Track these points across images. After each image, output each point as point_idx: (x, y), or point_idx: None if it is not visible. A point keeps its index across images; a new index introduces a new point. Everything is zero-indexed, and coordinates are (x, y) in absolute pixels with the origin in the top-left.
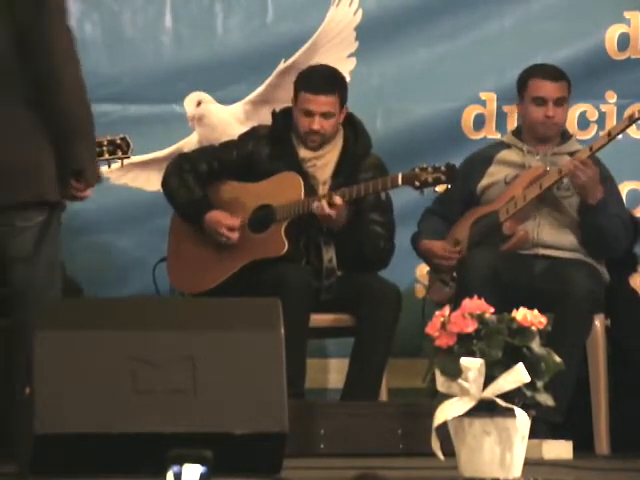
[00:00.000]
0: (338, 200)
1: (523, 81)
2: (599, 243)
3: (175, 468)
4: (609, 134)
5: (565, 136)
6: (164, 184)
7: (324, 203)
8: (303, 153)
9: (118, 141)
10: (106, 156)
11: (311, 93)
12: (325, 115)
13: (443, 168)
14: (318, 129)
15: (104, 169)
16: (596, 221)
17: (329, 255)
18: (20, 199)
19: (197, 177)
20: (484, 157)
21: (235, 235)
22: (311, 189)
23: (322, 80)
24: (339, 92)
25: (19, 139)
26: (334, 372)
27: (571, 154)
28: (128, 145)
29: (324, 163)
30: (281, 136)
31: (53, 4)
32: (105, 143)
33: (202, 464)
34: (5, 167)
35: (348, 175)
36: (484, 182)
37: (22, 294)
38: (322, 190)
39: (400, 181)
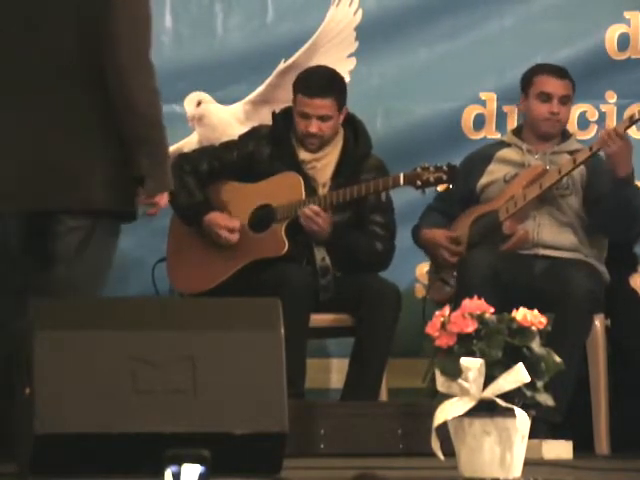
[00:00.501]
0: (315, 208)
1: (528, 78)
2: (626, 218)
3: (174, 468)
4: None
5: (565, 135)
6: None
7: (306, 210)
8: (303, 155)
9: None
10: None
11: (307, 96)
12: (322, 118)
13: (445, 168)
14: (316, 132)
15: None
16: (626, 195)
17: (321, 254)
18: (66, 205)
19: (197, 178)
20: (484, 155)
21: (235, 237)
22: (311, 190)
23: (318, 83)
24: (336, 95)
25: (77, 141)
26: (334, 372)
27: (571, 153)
28: None
29: (324, 165)
30: (281, 137)
31: (123, 9)
32: None
33: (200, 464)
34: (59, 170)
35: (348, 176)
36: (484, 180)
37: (60, 295)
38: (322, 192)
39: (402, 181)
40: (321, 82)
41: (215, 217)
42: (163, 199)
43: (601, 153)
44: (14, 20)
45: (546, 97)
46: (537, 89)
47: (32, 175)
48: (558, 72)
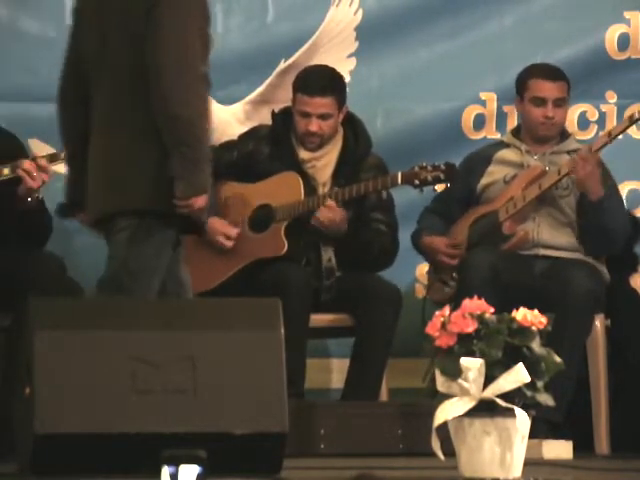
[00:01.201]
0: (330, 203)
1: (522, 81)
2: (599, 240)
3: (171, 469)
4: (609, 134)
5: (564, 135)
6: None
7: (320, 213)
8: (302, 154)
9: None
10: None
11: (307, 95)
12: (322, 116)
13: (442, 167)
14: (316, 131)
15: None
16: (596, 218)
17: (328, 255)
18: (111, 208)
19: None
20: (483, 156)
21: (230, 243)
22: (311, 189)
23: (318, 82)
24: (336, 94)
25: (125, 145)
26: (334, 372)
27: (570, 153)
28: None
29: (324, 164)
30: (281, 136)
31: (164, 17)
32: None
33: (197, 464)
34: (107, 173)
35: (348, 176)
36: (483, 181)
37: (111, 293)
38: (322, 191)
39: (400, 180)
40: (321, 81)
41: (213, 222)
42: (198, 202)
43: (601, 153)
44: (95, 39)
45: (540, 101)
46: (531, 94)
47: (93, 184)
48: (551, 74)
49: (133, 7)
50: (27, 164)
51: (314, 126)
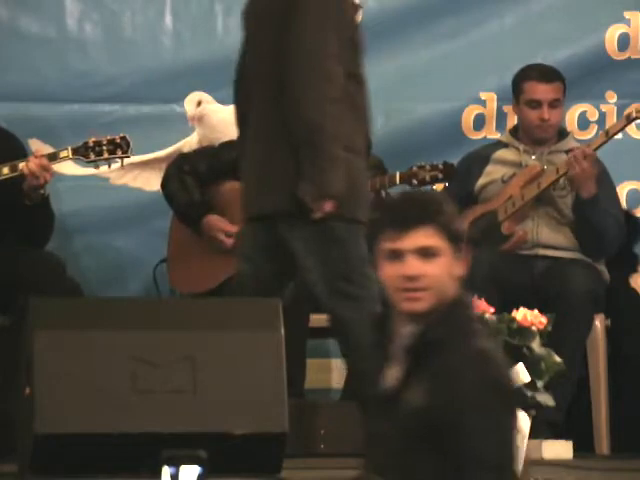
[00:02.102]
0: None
1: (517, 84)
2: (591, 239)
3: (171, 469)
4: (607, 133)
5: (562, 134)
6: (163, 186)
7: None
8: None
9: (118, 140)
10: (106, 155)
11: None
12: None
13: (440, 166)
14: None
15: (103, 169)
16: (588, 216)
17: None
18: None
19: (197, 178)
20: (481, 156)
21: (231, 241)
22: None
23: None
24: None
25: (280, 152)
26: (334, 372)
27: (568, 152)
28: (128, 144)
29: None
30: None
31: (302, 14)
32: (105, 143)
33: (198, 465)
34: (257, 175)
35: None
36: (482, 181)
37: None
38: None
39: (398, 179)
40: None
41: (214, 220)
42: (328, 205)
43: (601, 153)
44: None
45: (535, 104)
46: (526, 96)
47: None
48: (546, 76)
49: (274, 15)
50: (31, 163)
51: None
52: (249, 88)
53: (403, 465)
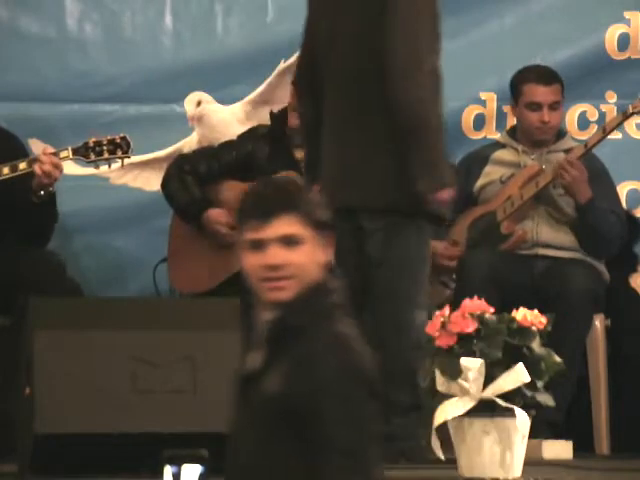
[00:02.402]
0: None
1: (516, 86)
2: (593, 241)
3: (173, 468)
4: (604, 130)
5: (560, 134)
6: (164, 186)
7: None
8: (298, 154)
9: (118, 140)
10: (106, 155)
11: (295, 87)
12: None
13: None
14: (294, 126)
15: (103, 169)
16: (588, 219)
17: None
18: (354, 203)
19: (197, 178)
20: (480, 157)
21: (230, 237)
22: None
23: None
24: None
25: (369, 145)
26: None
27: (566, 151)
28: (128, 144)
29: None
30: (279, 136)
31: (398, 16)
32: (105, 143)
33: (199, 464)
34: (351, 171)
35: None
36: (481, 182)
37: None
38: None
39: None
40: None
41: (214, 213)
42: (442, 195)
43: (601, 153)
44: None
45: (536, 106)
46: (526, 99)
47: (336, 175)
48: (545, 78)
49: (362, 8)
50: (46, 165)
51: (293, 119)
52: (321, 86)
53: (262, 451)
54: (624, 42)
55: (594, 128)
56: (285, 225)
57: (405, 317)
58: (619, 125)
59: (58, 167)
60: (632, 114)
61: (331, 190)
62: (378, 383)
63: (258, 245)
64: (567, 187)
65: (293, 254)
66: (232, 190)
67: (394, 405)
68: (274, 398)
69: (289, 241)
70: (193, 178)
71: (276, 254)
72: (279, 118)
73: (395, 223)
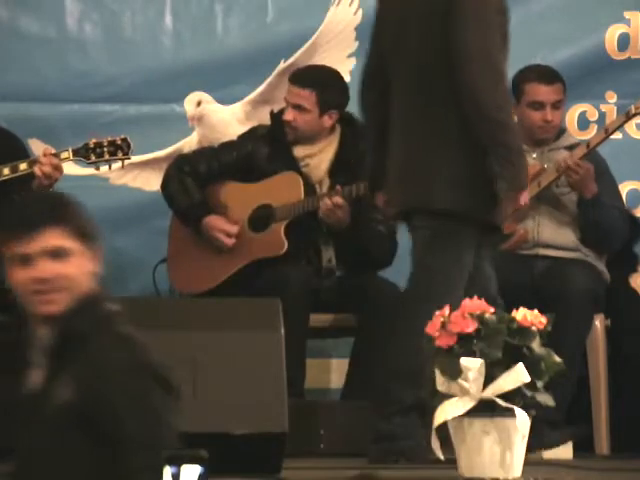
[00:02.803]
0: (339, 200)
1: (517, 85)
2: (596, 236)
3: (173, 469)
4: (606, 130)
5: (560, 131)
6: (163, 187)
7: (327, 200)
8: (297, 152)
9: (119, 142)
10: (106, 157)
11: (290, 83)
12: (298, 107)
13: None
14: (289, 120)
15: (104, 169)
16: (593, 215)
17: (328, 255)
18: (411, 204)
19: (197, 179)
20: None
21: (231, 241)
22: (310, 188)
23: (304, 73)
24: (318, 90)
25: (433, 148)
26: (334, 372)
27: (568, 148)
28: (129, 146)
29: (317, 162)
30: (278, 136)
31: (467, 13)
32: (105, 144)
33: (199, 464)
34: (409, 169)
35: (345, 175)
36: None
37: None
38: (319, 190)
39: None
40: (307, 74)
41: (214, 220)
42: (521, 198)
43: (599, 149)
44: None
45: (539, 105)
46: (529, 98)
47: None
48: (547, 77)
49: (432, 7)
50: (45, 167)
51: (288, 114)
52: (388, 89)
53: (60, 463)
54: (624, 42)
55: (594, 128)
56: (52, 238)
57: (422, 320)
58: (621, 126)
59: (58, 168)
60: (635, 115)
61: (399, 189)
62: (166, 375)
63: (26, 259)
64: (574, 184)
65: (62, 266)
66: (232, 191)
67: (395, 404)
68: (67, 406)
69: (57, 254)
70: (193, 180)
71: (44, 267)
72: (279, 118)
73: (445, 226)
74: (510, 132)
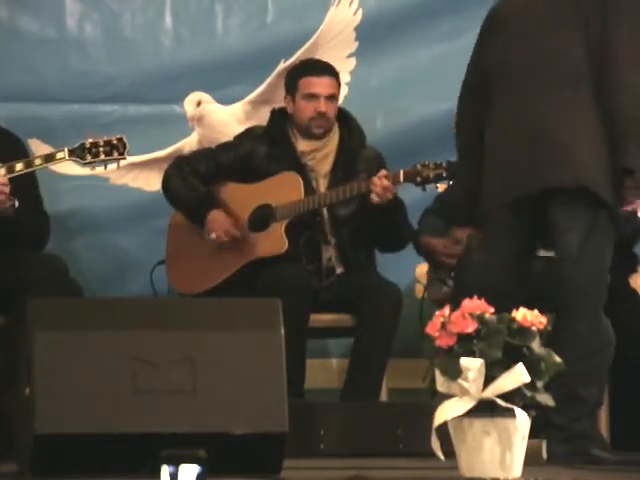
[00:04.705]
0: (387, 183)
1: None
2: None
3: (171, 468)
4: None
5: None
6: (165, 187)
7: (377, 181)
8: (302, 146)
9: (114, 142)
10: (102, 157)
11: (316, 75)
12: (330, 98)
13: (444, 164)
14: (325, 111)
15: (99, 169)
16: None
17: (328, 254)
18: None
19: (198, 177)
20: None
21: (226, 238)
22: (310, 187)
23: (323, 64)
24: (337, 77)
25: (580, 136)
26: (334, 372)
27: None
28: (124, 146)
29: (324, 155)
30: (278, 134)
31: (619, 6)
32: (101, 144)
33: (198, 464)
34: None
35: (346, 168)
36: None
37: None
38: (322, 183)
39: (402, 178)
40: (324, 64)
41: (220, 217)
42: None
43: None
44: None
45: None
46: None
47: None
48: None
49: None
50: None
51: (323, 106)
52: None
53: None
54: None
55: None
56: None
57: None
58: None
59: (3, 184)
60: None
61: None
62: None
63: None
64: None
65: None
66: (231, 191)
67: (585, 404)
68: None
69: None
70: (194, 177)
71: None
72: (279, 116)
73: (593, 216)
74: None
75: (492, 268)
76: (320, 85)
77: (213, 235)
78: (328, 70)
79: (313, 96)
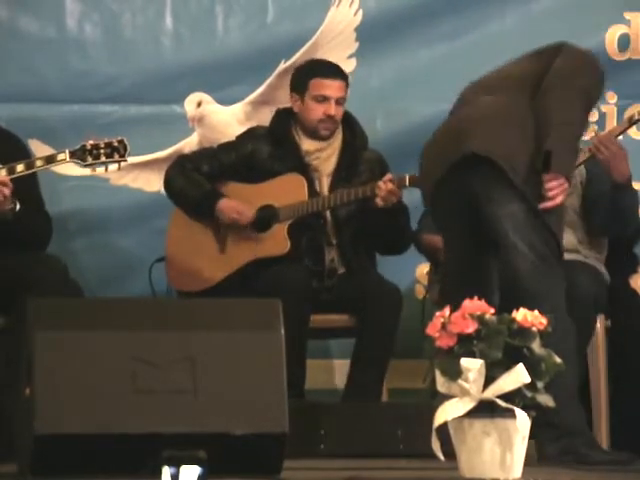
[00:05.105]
0: (392, 186)
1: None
2: (619, 220)
3: (171, 469)
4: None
5: None
6: (168, 186)
7: (382, 185)
8: (307, 146)
9: (115, 143)
10: (103, 159)
11: (328, 78)
12: (339, 101)
13: None
14: (334, 115)
15: (100, 171)
16: (620, 199)
17: (331, 256)
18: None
19: (201, 175)
20: None
21: (244, 219)
22: (313, 187)
23: (335, 66)
24: (346, 79)
25: (510, 126)
26: (335, 373)
27: None
28: (125, 148)
29: (328, 155)
30: (281, 134)
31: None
32: (102, 146)
33: (198, 465)
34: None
35: (349, 168)
36: None
37: None
38: (325, 183)
39: (407, 182)
40: (336, 66)
41: (230, 203)
42: (562, 186)
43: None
44: None
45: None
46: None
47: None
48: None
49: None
50: None
51: (333, 110)
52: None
53: None
54: (624, 43)
55: (594, 129)
56: None
57: None
58: (624, 132)
59: (5, 184)
60: (638, 120)
61: None
62: None
63: None
64: (603, 163)
65: None
66: (233, 191)
67: (562, 389)
68: None
69: None
70: (198, 174)
71: None
72: (283, 116)
73: None
74: (576, 114)
75: (451, 269)
76: (331, 88)
77: (235, 221)
78: (340, 73)
79: (324, 98)
